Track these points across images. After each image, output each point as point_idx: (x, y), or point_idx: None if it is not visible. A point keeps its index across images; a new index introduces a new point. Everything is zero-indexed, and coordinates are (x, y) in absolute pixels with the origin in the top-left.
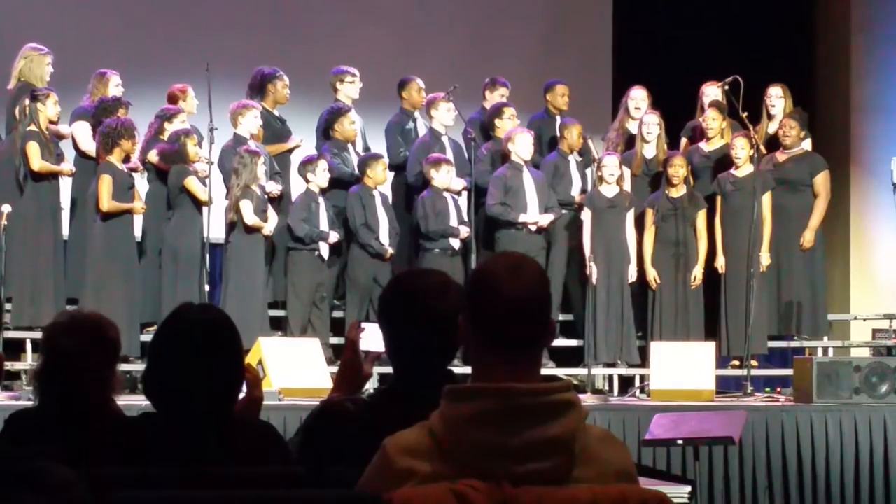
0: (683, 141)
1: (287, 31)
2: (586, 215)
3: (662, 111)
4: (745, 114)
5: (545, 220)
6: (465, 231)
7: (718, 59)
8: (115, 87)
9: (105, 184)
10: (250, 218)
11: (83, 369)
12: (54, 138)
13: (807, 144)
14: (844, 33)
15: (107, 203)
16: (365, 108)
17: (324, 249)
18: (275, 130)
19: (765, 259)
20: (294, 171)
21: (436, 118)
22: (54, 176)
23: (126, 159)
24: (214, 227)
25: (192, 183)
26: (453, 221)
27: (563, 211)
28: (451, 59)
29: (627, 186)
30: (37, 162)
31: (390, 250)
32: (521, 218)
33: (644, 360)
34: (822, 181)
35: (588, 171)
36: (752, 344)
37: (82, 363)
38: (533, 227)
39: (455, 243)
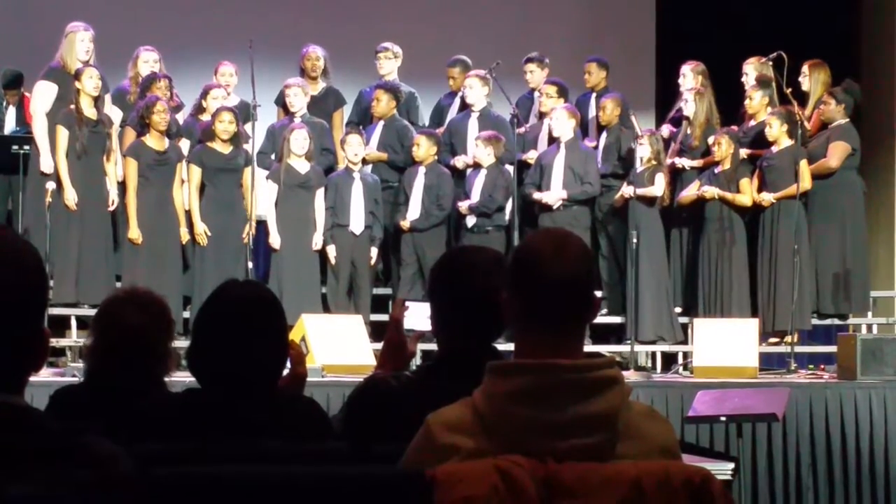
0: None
1: (331, 6)
2: (629, 191)
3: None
4: (790, 90)
5: (549, 197)
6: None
7: (762, 34)
8: (143, 63)
9: (131, 170)
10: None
11: (148, 345)
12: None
13: (842, 118)
14: (890, 7)
15: (132, 194)
16: (408, 84)
17: (356, 226)
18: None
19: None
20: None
21: (469, 95)
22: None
23: (168, 134)
24: (260, 204)
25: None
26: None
27: (588, 189)
28: (495, 36)
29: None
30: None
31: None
32: (535, 196)
33: (686, 337)
34: (832, 148)
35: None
36: (788, 320)
37: (147, 339)
38: (555, 204)
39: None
